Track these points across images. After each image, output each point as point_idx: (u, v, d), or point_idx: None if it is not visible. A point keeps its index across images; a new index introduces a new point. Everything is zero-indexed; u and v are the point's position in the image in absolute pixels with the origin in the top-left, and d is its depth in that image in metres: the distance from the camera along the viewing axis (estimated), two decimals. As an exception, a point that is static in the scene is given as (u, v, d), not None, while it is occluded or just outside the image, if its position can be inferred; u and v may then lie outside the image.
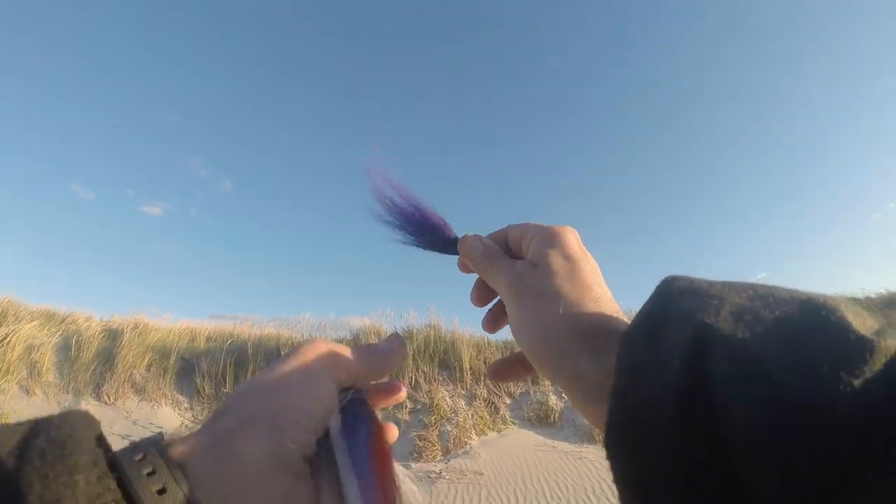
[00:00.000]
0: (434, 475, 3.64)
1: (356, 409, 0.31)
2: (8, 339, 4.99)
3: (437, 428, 4.34)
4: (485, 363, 5.13)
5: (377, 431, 0.31)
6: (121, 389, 5.15)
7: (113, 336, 5.83)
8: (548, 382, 4.91)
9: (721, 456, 0.18)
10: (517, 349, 0.36)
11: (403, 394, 0.37)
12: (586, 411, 0.29)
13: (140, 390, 5.26)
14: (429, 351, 5.45)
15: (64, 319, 6.10)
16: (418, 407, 4.85)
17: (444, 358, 5.39)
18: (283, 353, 0.45)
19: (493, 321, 0.41)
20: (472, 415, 4.37)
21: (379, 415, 0.33)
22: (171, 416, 5.13)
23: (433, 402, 4.76)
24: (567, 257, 0.33)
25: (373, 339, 5.40)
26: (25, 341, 5.15)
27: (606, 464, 0.22)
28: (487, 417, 4.39)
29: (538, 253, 0.34)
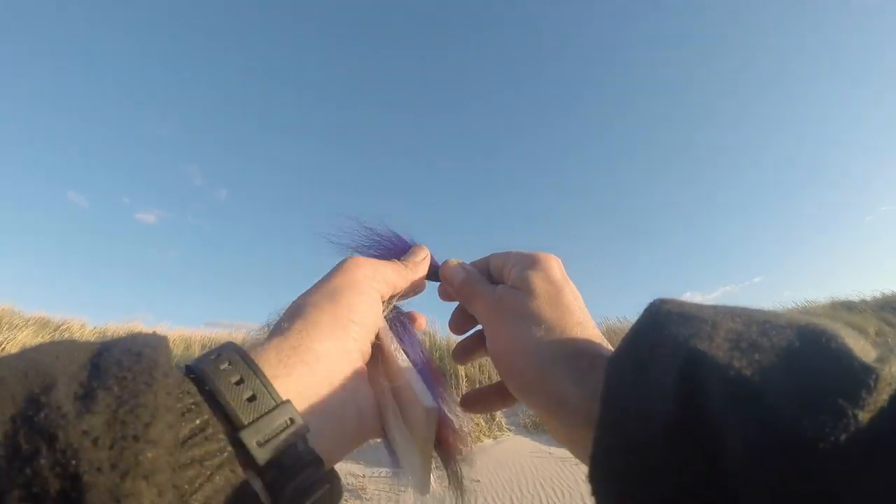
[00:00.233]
0: (429, 483, 3.58)
1: (399, 318, 0.36)
2: (3, 346, 4.95)
3: (432, 435, 4.26)
4: (479, 370, 5.11)
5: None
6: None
7: (107, 344, 5.77)
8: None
9: (715, 486, 0.17)
10: None
11: (423, 322, 0.39)
12: (567, 438, 0.29)
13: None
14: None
15: (58, 327, 6.07)
16: (414, 414, 4.78)
17: (439, 366, 5.35)
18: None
19: (465, 351, 0.40)
20: (468, 422, 4.34)
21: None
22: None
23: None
24: (549, 281, 0.33)
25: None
26: (20, 349, 5.08)
27: None
28: (483, 424, 4.36)
29: (520, 277, 0.33)
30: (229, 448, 0.19)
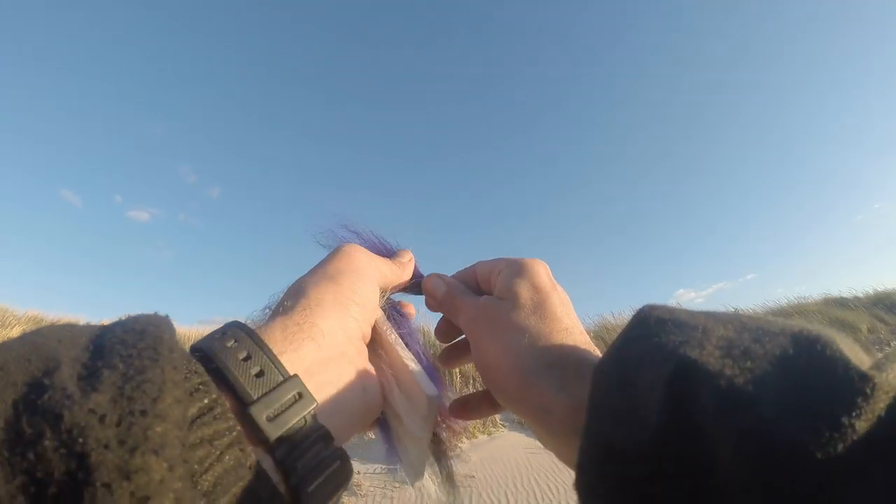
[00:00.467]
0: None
1: (394, 308, 0.36)
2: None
3: (427, 431, 4.27)
4: (473, 367, 5.12)
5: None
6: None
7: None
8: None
9: (704, 498, 0.16)
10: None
11: (414, 312, 0.39)
12: (552, 444, 0.28)
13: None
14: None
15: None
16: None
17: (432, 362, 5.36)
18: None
19: (451, 357, 0.40)
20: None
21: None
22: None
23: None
24: (535, 289, 0.32)
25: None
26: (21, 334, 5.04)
27: None
28: (477, 420, 4.37)
29: (505, 286, 0.33)
30: (238, 427, 0.19)
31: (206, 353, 0.22)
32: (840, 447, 0.14)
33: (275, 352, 0.23)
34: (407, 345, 0.32)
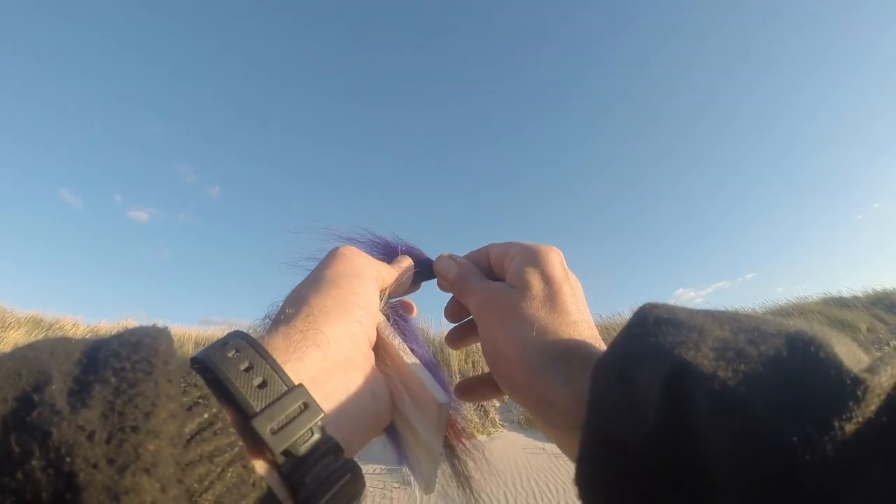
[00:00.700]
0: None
1: (395, 311, 0.35)
2: (-6, 346, 4.90)
3: (426, 432, 4.27)
4: (473, 366, 5.12)
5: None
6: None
7: (100, 343, 5.76)
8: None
9: (698, 497, 0.17)
10: None
11: (415, 310, 0.39)
12: (555, 437, 0.28)
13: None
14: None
15: (51, 326, 6.04)
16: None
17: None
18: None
19: (458, 337, 0.40)
20: (461, 418, 4.35)
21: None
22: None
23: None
24: (547, 280, 0.32)
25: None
26: (13, 348, 5.05)
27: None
28: (476, 421, 4.36)
29: (517, 274, 0.33)
30: (241, 442, 0.18)
31: (206, 365, 0.20)
32: (830, 449, 0.14)
33: (278, 361, 0.22)
34: (412, 350, 0.31)
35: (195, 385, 0.18)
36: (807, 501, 0.14)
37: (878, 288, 6.80)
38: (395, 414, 0.29)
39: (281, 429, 0.20)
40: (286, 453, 0.20)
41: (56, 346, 0.18)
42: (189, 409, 0.17)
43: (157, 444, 0.14)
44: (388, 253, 0.39)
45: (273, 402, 0.20)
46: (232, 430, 0.18)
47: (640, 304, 0.24)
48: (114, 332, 0.20)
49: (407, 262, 0.38)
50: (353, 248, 0.33)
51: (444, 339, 0.40)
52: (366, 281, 0.30)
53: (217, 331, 6.69)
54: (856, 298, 6.74)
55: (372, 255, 0.38)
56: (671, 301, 0.25)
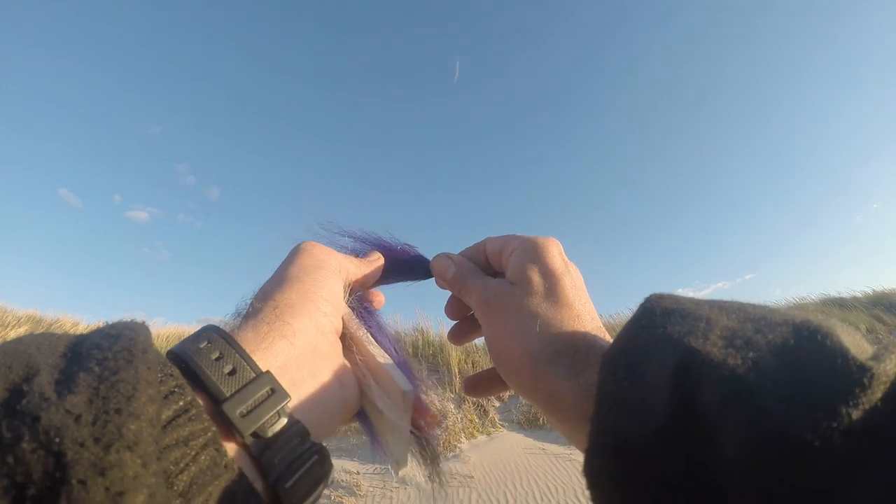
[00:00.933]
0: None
1: (361, 303, 0.36)
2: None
3: (426, 432, 4.26)
4: (473, 366, 5.12)
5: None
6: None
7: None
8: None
9: (708, 486, 0.17)
10: None
11: (382, 299, 0.40)
12: (563, 430, 0.29)
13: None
14: (417, 355, 5.41)
15: (51, 325, 6.02)
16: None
17: (432, 361, 5.36)
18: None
19: (460, 334, 0.41)
20: (462, 418, 4.34)
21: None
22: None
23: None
24: (547, 273, 0.32)
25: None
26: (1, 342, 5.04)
27: None
28: (477, 420, 4.36)
29: (516, 269, 0.33)
30: (213, 428, 0.19)
31: (181, 356, 0.22)
32: (838, 436, 0.15)
33: (247, 351, 0.23)
34: (377, 340, 0.33)
35: (171, 375, 0.19)
36: (810, 490, 0.14)
37: (878, 288, 6.81)
38: (363, 400, 0.31)
39: (249, 412, 0.21)
40: (255, 435, 0.21)
41: (42, 341, 0.19)
42: (165, 397, 0.18)
43: (138, 424, 0.16)
44: (382, 250, 0.40)
45: (242, 388, 0.22)
46: (206, 416, 0.19)
47: (647, 296, 0.24)
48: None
49: (376, 256, 0.38)
50: (315, 243, 0.34)
51: (446, 337, 0.40)
52: (329, 274, 0.31)
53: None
54: (855, 299, 6.74)
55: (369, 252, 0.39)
56: None
